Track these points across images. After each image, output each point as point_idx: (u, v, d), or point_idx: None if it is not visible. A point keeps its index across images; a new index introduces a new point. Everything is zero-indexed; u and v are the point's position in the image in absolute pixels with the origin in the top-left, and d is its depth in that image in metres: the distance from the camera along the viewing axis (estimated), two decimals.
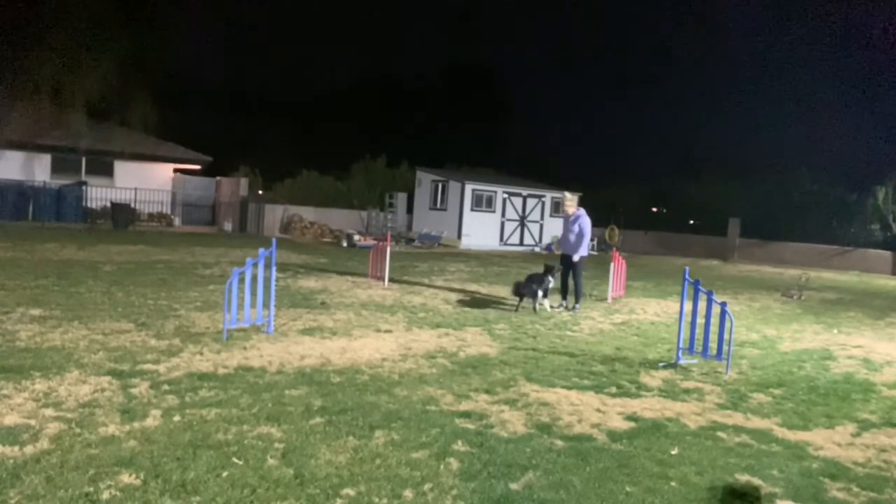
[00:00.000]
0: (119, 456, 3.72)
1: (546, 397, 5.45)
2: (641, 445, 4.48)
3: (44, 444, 3.83)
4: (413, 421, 4.63)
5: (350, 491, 3.51)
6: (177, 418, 4.36)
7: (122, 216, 21.43)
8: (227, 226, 24.89)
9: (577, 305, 10.39)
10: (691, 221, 32.14)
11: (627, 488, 3.80)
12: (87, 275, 10.51)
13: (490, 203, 24.83)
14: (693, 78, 61.95)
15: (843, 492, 3.97)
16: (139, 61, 23.68)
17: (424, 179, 26.24)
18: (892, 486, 4.12)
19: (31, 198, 21.88)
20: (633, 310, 10.82)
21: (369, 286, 11.55)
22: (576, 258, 10.31)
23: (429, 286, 12.13)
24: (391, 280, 12.04)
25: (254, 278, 7.21)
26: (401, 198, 27.43)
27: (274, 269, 7.67)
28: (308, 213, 25.58)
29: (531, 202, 25.88)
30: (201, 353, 6.07)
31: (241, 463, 3.75)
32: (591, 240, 12.62)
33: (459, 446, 4.23)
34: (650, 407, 5.38)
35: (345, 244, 20.98)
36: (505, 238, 25.28)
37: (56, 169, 23.65)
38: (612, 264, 12.00)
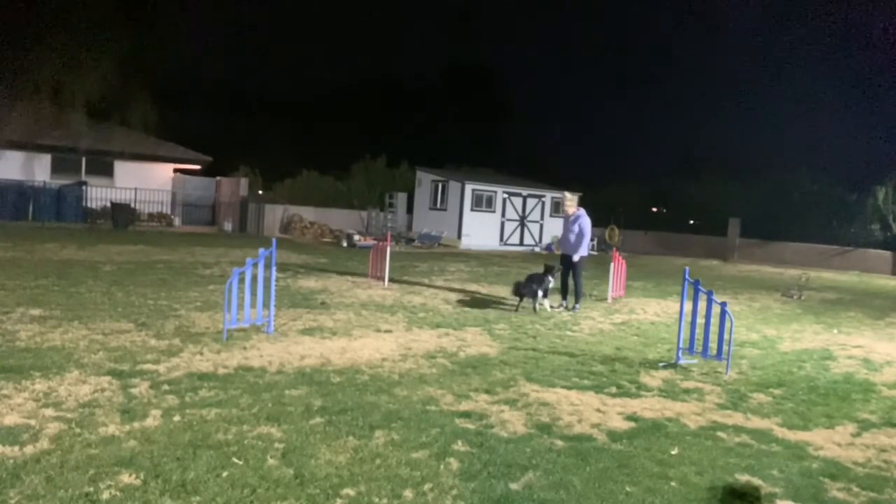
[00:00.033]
0: (119, 456, 3.73)
1: (546, 397, 5.45)
2: (641, 445, 4.48)
3: (44, 444, 3.83)
4: (413, 421, 4.63)
5: (350, 491, 3.51)
6: (177, 418, 4.36)
7: (122, 216, 21.43)
8: (227, 226, 24.90)
9: (577, 305, 10.39)
10: (691, 221, 32.14)
11: (627, 488, 3.80)
12: (87, 275, 10.51)
13: (490, 203, 24.83)
14: (693, 78, 61.97)
15: (843, 492, 3.97)
16: (139, 61, 23.71)
17: (424, 179, 26.24)
18: (892, 486, 4.12)
19: (31, 198, 21.89)
20: (633, 310, 10.82)
21: (369, 286, 11.55)
22: (576, 258, 10.31)
23: (429, 286, 12.13)
24: (391, 280, 12.04)
25: (254, 278, 7.21)
26: (401, 198, 27.43)
27: (274, 269, 7.67)
28: (308, 213, 25.58)
29: (531, 202, 25.89)
30: (201, 353, 6.07)
31: (241, 463, 3.76)
32: (591, 240, 12.62)
33: (459, 446, 4.23)
34: (650, 407, 5.38)
35: (345, 244, 20.98)
36: (505, 238, 25.28)
37: (56, 169, 23.65)
38: (612, 264, 12.00)
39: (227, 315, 6.80)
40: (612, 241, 26.37)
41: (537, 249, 25.27)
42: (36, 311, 7.41)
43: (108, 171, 24.67)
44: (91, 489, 3.33)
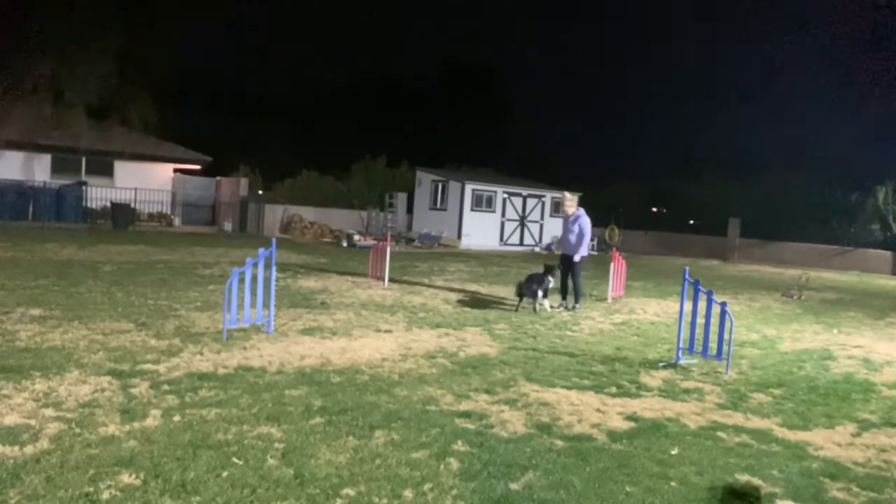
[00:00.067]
0: (119, 456, 3.73)
1: (546, 397, 5.45)
2: (641, 445, 4.48)
3: (44, 444, 3.83)
4: (413, 421, 4.63)
5: (350, 491, 3.51)
6: (177, 418, 4.36)
7: (122, 216, 21.43)
8: (227, 226, 24.90)
9: (577, 305, 10.39)
10: (691, 221, 32.14)
11: (627, 488, 3.80)
12: (87, 275, 10.51)
13: (490, 203, 24.84)
14: (693, 78, 61.89)
15: (843, 492, 3.97)
16: (139, 61, 23.72)
17: (424, 179, 26.24)
18: (892, 486, 4.12)
19: (31, 198, 21.89)
20: (633, 310, 10.82)
21: (369, 286, 11.55)
22: (576, 258, 10.31)
23: (429, 286, 12.13)
24: (391, 280, 12.04)
25: (254, 278, 7.21)
26: (401, 198, 27.43)
27: (274, 269, 7.67)
28: (308, 213, 25.58)
29: (531, 202, 25.89)
30: (201, 353, 6.07)
31: (241, 463, 3.76)
32: (591, 240, 12.63)
33: (459, 446, 4.23)
34: (650, 407, 5.38)
35: (345, 244, 20.98)
36: (505, 238, 25.28)
37: (56, 169, 23.66)
38: (612, 264, 12.00)
39: (227, 315, 6.80)
40: (612, 241, 26.37)
41: (537, 249, 25.27)
42: (36, 311, 7.41)
43: (108, 171, 24.67)
44: (91, 489, 3.33)
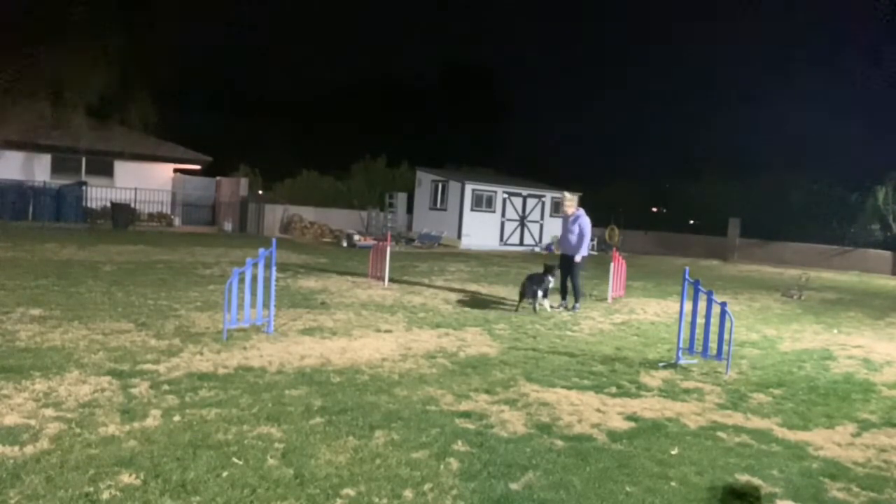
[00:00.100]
0: (119, 456, 3.73)
1: (546, 397, 5.45)
2: (641, 445, 4.48)
3: (44, 444, 3.83)
4: (413, 421, 4.63)
5: (350, 491, 3.51)
6: (177, 418, 4.36)
7: (122, 216, 21.43)
8: (227, 226, 24.90)
9: (577, 305, 10.39)
10: (691, 221, 32.14)
11: (627, 488, 3.80)
12: (87, 275, 10.52)
13: (490, 203, 24.84)
14: (693, 78, 61.87)
15: (843, 492, 3.97)
16: (139, 61, 23.71)
17: (424, 179, 26.24)
18: (892, 486, 4.12)
19: (31, 198, 21.89)
20: (633, 310, 10.82)
21: (369, 286, 11.55)
22: (577, 258, 10.31)
23: (429, 286, 12.13)
24: (391, 280, 12.04)
25: (254, 278, 7.21)
26: (401, 198, 27.43)
27: (274, 269, 7.67)
28: (308, 213, 25.58)
29: (531, 202, 25.89)
30: (201, 353, 6.07)
31: (241, 463, 3.76)
32: (592, 240, 12.63)
33: (459, 446, 4.23)
34: (650, 407, 5.38)
35: (345, 244, 20.98)
36: (505, 238, 25.28)
37: (56, 169, 23.66)
38: (612, 264, 12.00)
39: (227, 315, 6.80)
40: (612, 241, 26.37)
41: (537, 249, 25.28)
42: (36, 311, 7.41)
43: (108, 171, 24.67)
44: (91, 489, 3.33)
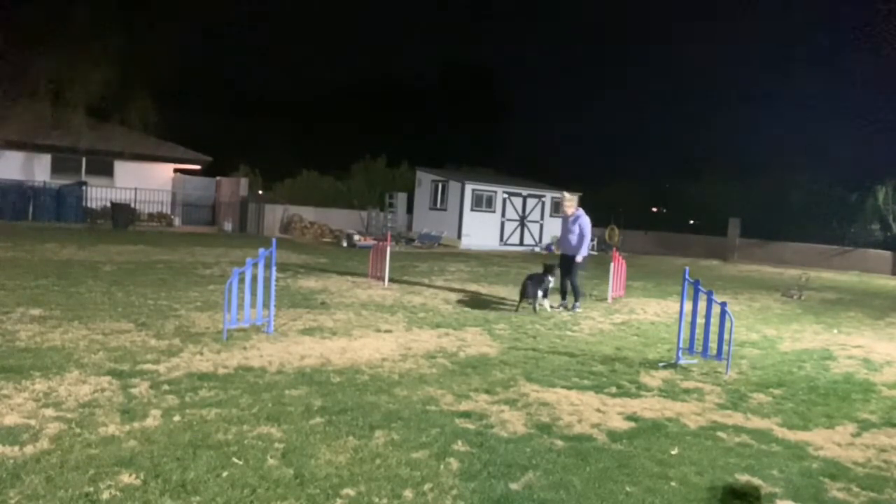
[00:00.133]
0: (119, 456, 3.73)
1: (546, 397, 5.45)
2: (641, 445, 4.48)
3: (44, 444, 3.83)
4: (413, 421, 4.63)
5: (350, 491, 3.51)
6: (177, 418, 4.36)
7: (122, 216, 21.44)
8: (227, 226, 24.90)
9: (577, 305, 10.39)
10: (691, 221, 32.14)
11: (627, 488, 3.80)
12: (87, 275, 10.52)
13: (490, 203, 24.84)
14: (693, 78, 61.85)
15: (843, 492, 3.97)
16: (139, 61, 23.72)
17: (424, 179, 26.25)
18: (892, 486, 4.12)
19: (31, 198, 21.90)
20: (633, 310, 10.82)
21: (369, 286, 11.55)
22: (578, 259, 10.31)
23: (429, 286, 12.13)
24: (391, 280, 12.04)
25: (254, 278, 7.21)
26: (401, 198, 27.43)
27: (274, 269, 7.67)
28: (308, 213, 25.58)
29: (531, 202, 25.89)
30: (201, 353, 6.07)
31: (241, 463, 3.76)
32: (592, 240, 12.63)
33: (459, 446, 4.23)
34: (650, 407, 5.38)
35: (345, 244, 20.98)
36: (505, 238, 25.28)
37: (56, 169, 23.66)
38: (612, 264, 12.00)
39: (227, 315, 6.80)
40: (612, 241, 26.38)
41: (537, 249, 25.28)
42: (36, 311, 7.41)
43: (108, 171, 24.68)
44: (91, 489, 3.33)
